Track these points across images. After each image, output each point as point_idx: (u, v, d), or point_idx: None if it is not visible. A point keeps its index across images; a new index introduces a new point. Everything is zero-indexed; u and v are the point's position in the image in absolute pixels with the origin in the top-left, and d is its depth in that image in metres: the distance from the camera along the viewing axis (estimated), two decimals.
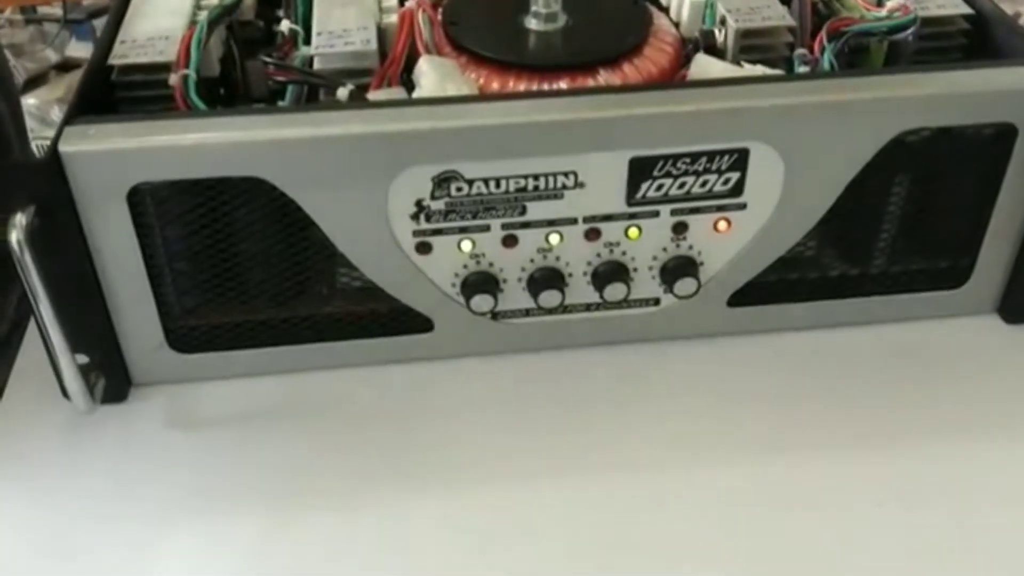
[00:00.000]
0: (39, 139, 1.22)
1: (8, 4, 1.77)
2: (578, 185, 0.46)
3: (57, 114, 1.72)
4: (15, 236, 0.41)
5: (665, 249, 0.49)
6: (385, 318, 0.50)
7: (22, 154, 0.66)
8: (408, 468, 0.47)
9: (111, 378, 0.49)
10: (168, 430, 0.49)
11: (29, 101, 1.67)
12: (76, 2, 1.92)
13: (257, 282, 0.48)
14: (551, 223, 0.47)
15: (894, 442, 0.48)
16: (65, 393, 0.47)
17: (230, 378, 0.51)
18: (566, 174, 0.46)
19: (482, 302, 0.48)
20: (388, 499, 0.45)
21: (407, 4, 0.53)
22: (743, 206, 0.48)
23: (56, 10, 1.93)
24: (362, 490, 0.46)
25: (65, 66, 2.02)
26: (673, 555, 0.43)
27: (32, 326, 0.52)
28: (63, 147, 0.42)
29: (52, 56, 1.99)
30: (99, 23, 2.14)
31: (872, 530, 0.44)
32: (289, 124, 0.44)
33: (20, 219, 0.41)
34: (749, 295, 0.51)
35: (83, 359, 0.46)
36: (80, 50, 2.13)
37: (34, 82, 1.84)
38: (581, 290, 0.50)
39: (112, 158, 0.43)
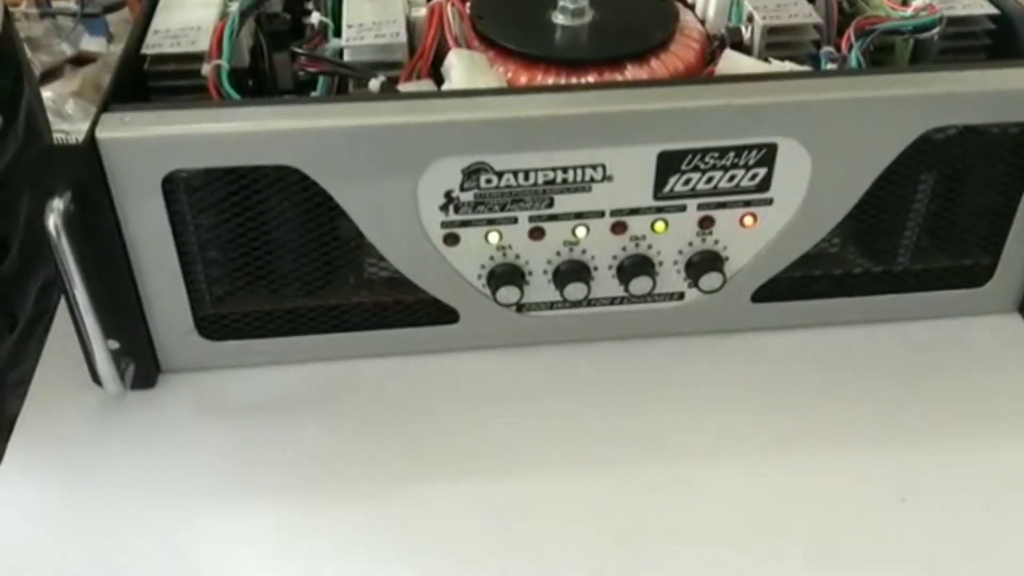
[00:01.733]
0: (56, 132, 1.23)
1: None
2: (606, 178, 0.46)
3: (72, 107, 1.73)
4: (52, 220, 0.42)
5: (691, 243, 0.49)
6: (411, 309, 0.51)
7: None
8: (432, 458, 0.47)
9: (140, 364, 0.49)
10: (196, 417, 0.49)
11: (45, 94, 1.67)
12: None
13: (286, 271, 0.49)
14: (578, 216, 0.48)
15: (917, 438, 0.48)
16: (95, 378, 0.48)
17: (257, 366, 0.51)
18: (594, 167, 0.46)
19: (508, 294, 0.49)
20: (412, 488, 0.46)
21: None
22: (770, 201, 0.48)
23: (71, 4, 1.94)
24: (387, 479, 0.46)
25: (80, 60, 2.03)
26: (696, 546, 0.43)
27: (58, 312, 0.53)
28: (100, 134, 0.43)
29: (67, 50, 2.01)
30: (113, 18, 2.15)
31: (896, 525, 0.44)
32: (322, 114, 0.44)
33: (57, 203, 0.42)
34: (773, 291, 0.51)
35: (114, 344, 0.47)
36: (94, 44, 2.14)
37: (49, 76, 1.86)
38: (606, 283, 0.50)
39: (148, 145, 0.43)
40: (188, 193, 0.45)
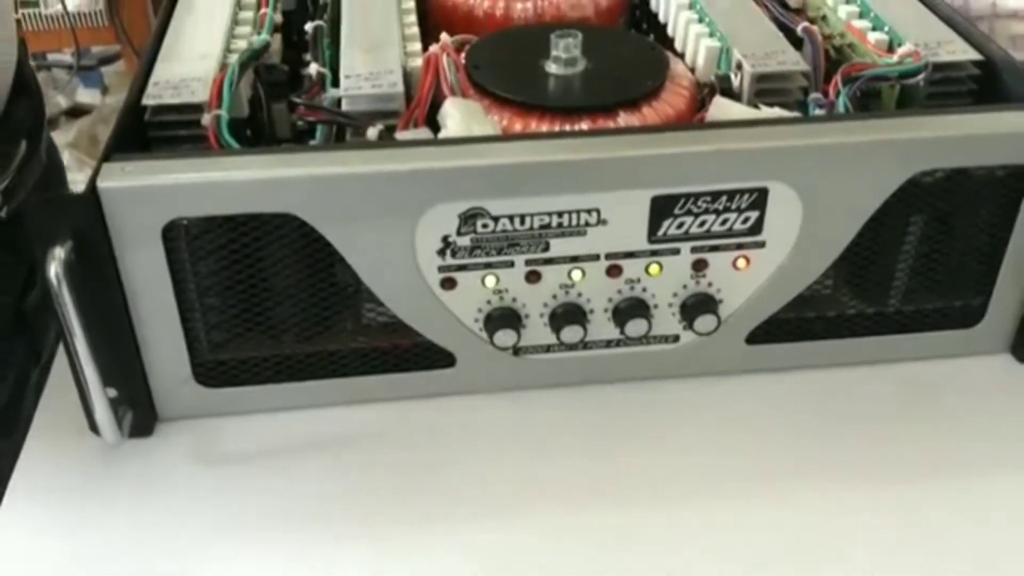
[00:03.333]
0: None
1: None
2: (601, 222, 0.47)
3: (68, 158, 1.74)
4: (54, 269, 0.42)
5: (685, 286, 0.50)
6: (408, 353, 0.51)
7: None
8: (431, 502, 0.47)
9: (138, 412, 0.49)
10: (194, 465, 0.49)
11: None
12: (86, 49, 1.95)
13: (284, 317, 0.49)
14: (574, 259, 0.48)
15: (913, 479, 0.48)
16: (93, 426, 0.48)
17: (255, 413, 0.51)
18: (589, 211, 0.47)
19: (505, 337, 0.49)
20: (412, 533, 0.46)
21: (431, 48, 0.54)
22: (762, 244, 0.49)
23: (66, 57, 1.96)
24: (386, 525, 0.46)
25: (75, 112, 2.05)
26: None
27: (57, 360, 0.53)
28: (101, 183, 0.43)
29: (62, 102, 2.02)
30: (108, 70, 2.17)
31: (894, 568, 0.44)
32: (322, 162, 0.45)
33: (59, 252, 0.42)
34: (767, 333, 0.52)
35: (112, 392, 0.47)
36: (89, 96, 2.16)
37: None
38: (602, 326, 0.50)
39: (148, 194, 0.44)
40: (188, 241, 0.46)
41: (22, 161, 0.60)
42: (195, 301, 0.48)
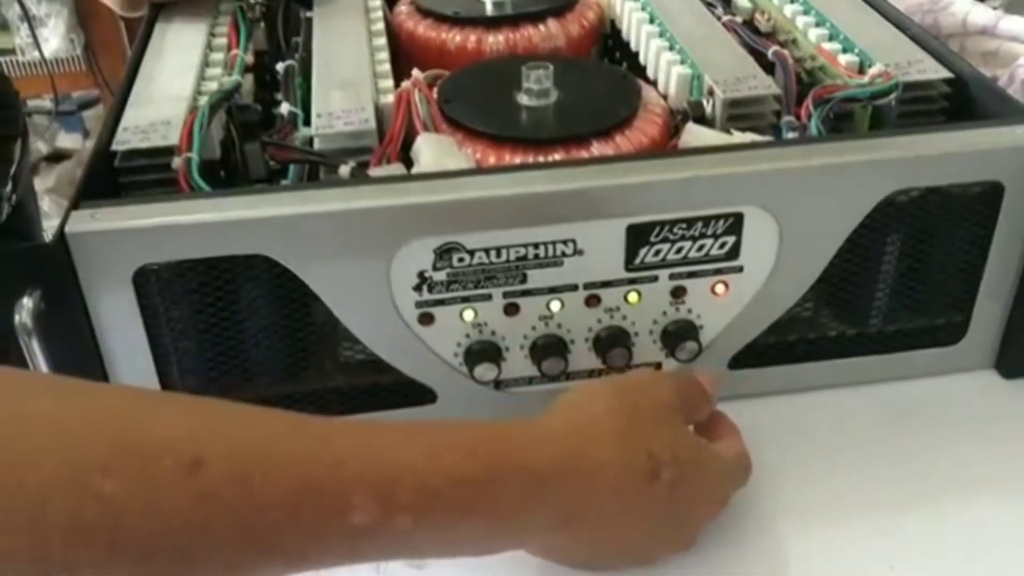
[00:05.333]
0: None
1: None
2: (577, 252, 0.47)
3: (48, 204, 1.73)
4: (21, 319, 0.41)
5: (665, 313, 0.49)
6: (388, 391, 0.50)
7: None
8: None
9: None
10: None
11: None
12: (66, 95, 1.95)
13: (260, 359, 0.49)
14: (552, 290, 0.48)
15: (901, 501, 0.48)
16: None
17: None
18: (565, 242, 0.46)
19: (485, 371, 0.49)
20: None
21: (403, 84, 0.54)
22: (740, 269, 0.48)
23: (45, 103, 1.96)
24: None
25: (55, 157, 2.05)
26: None
27: None
28: (70, 230, 0.43)
29: (42, 148, 2.02)
30: (88, 115, 2.18)
31: None
32: (294, 201, 0.44)
33: (27, 302, 0.42)
34: (749, 357, 0.52)
35: None
36: (69, 141, 2.16)
37: None
38: (583, 356, 0.50)
39: (118, 240, 0.43)
40: (159, 285, 0.45)
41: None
42: (169, 346, 0.47)
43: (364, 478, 0.35)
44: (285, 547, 0.34)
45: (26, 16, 1.65)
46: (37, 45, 1.69)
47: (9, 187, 0.60)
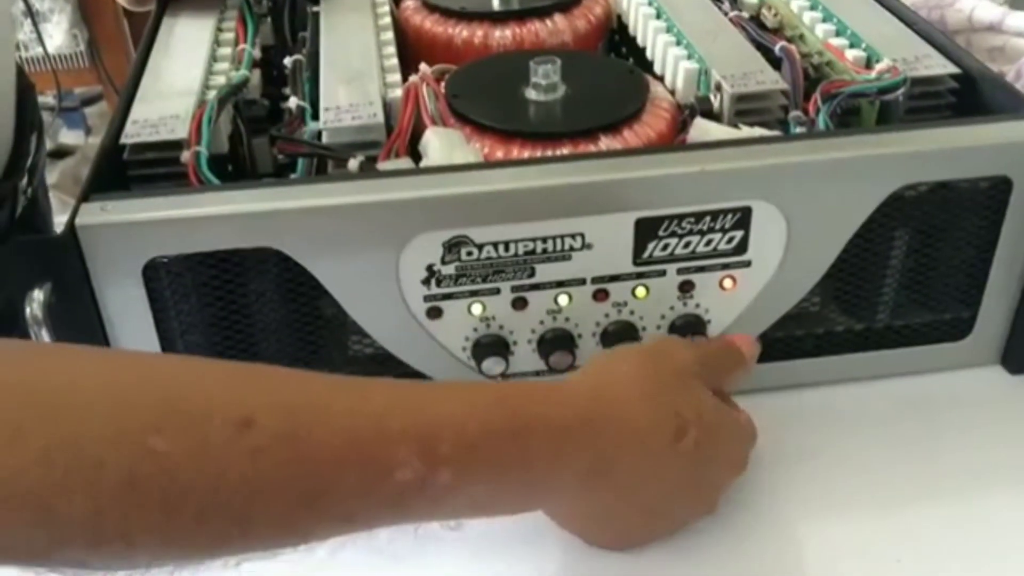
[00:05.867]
0: None
1: None
2: (585, 246, 0.47)
3: (51, 200, 1.73)
4: (32, 311, 0.42)
5: (672, 308, 0.49)
6: None
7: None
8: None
9: None
10: None
11: None
12: (68, 91, 1.95)
13: (269, 352, 0.49)
14: (560, 284, 0.48)
15: (909, 496, 0.48)
16: None
17: None
18: (573, 236, 0.46)
19: (493, 365, 0.49)
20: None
21: (411, 79, 0.54)
22: (748, 263, 0.48)
23: (48, 99, 1.96)
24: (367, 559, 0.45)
25: (58, 153, 2.04)
26: None
27: None
28: (80, 222, 0.43)
29: (46, 144, 2.02)
30: (91, 111, 2.18)
31: None
32: (303, 195, 0.44)
33: (37, 295, 0.42)
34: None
35: None
36: (72, 138, 2.16)
37: None
38: (591, 350, 0.50)
39: (128, 232, 0.43)
40: (169, 279, 0.45)
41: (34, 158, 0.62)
42: (177, 339, 0.47)
43: (408, 432, 0.35)
44: (333, 505, 0.34)
45: (30, 12, 1.65)
46: (40, 41, 1.69)
47: (25, 180, 0.60)
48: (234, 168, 0.54)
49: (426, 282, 0.47)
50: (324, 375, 0.37)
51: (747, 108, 0.54)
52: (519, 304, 0.48)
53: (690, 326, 0.50)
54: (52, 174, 1.92)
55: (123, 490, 0.31)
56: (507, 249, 0.46)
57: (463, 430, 0.36)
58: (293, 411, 0.34)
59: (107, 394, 0.32)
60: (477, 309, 0.48)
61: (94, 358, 0.36)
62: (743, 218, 0.47)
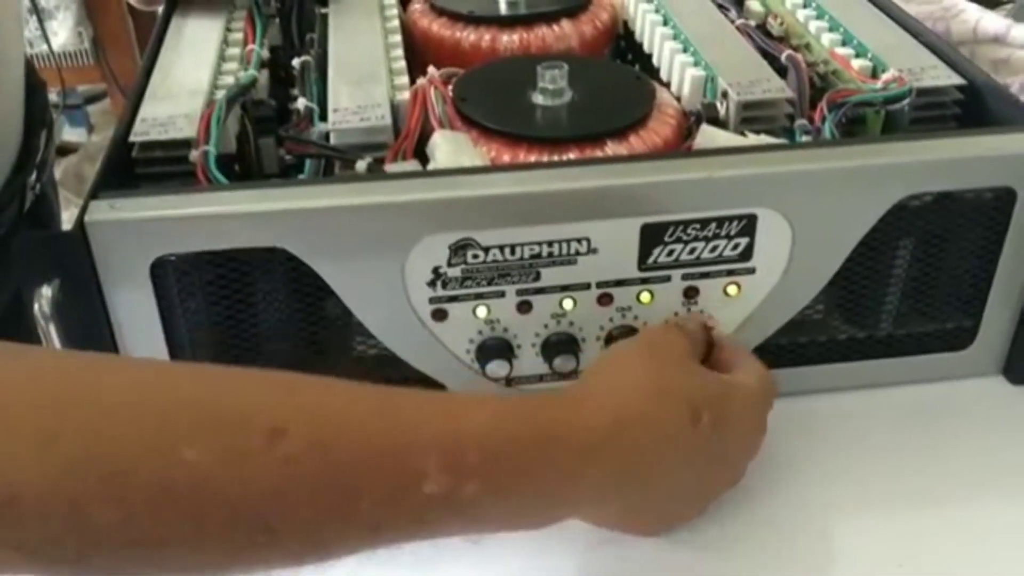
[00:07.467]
0: None
1: None
2: (591, 251, 0.47)
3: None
4: (40, 307, 0.42)
5: (677, 313, 0.50)
6: (400, 386, 0.50)
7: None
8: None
9: None
10: None
11: None
12: (72, 88, 1.95)
13: (274, 352, 0.49)
14: (565, 288, 0.48)
15: (909, 503, 0.48)
16: None
17: None
18: (579, 240, 0.47)
19: (497, 368, 0.49)
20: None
21: (419, 81, 0.55)
22: (752, 270, 0.49)
23: (52, 96, 1.97)
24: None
25: (61, 150, 2.05)
26: None
27: None
28: (89, 219, 0.43)
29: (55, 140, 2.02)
30: (94, 109, 2.18)
31: None
32: (311, 195, 0.45)
33: (46, 291, 0.42)
34: (760, 358, 0.52)
35: None
36: (75, 135, 2.16)
37: None
38: (595, 355, 0.50)
39: (136, 230, 0.43)
40: (176, 277, 0.46)
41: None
42: (184, 337, 0.47)
43: (436, 443, 0.36)
44: (361, 516, 0.34)
45: (35, 9, 1.66)
46: (45, 38, 1.69)
47: (34, 175, 0.60)
48: (241, 168, 0.54)
49: (432, 284, 0.47)
50: (352, 384, 0.37)
51: (753, 116, 0.54)
52: (524, 307, 0.48)
53: None
54: (55, 171, 1.92)
55: (154, 499, 0.31)
56: (513, 252, 0.46)
57: (490, 442, 0.37)
58: (324, 420, 0.35)
59: (140, 404, 0.33)
60: (482, 312, 0.48)
61: (128, 368, 0.37)
62: (748, 225, 0.47)
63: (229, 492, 0.32)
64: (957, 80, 0.55)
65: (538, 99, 0.55)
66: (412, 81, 0.56)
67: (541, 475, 0.38)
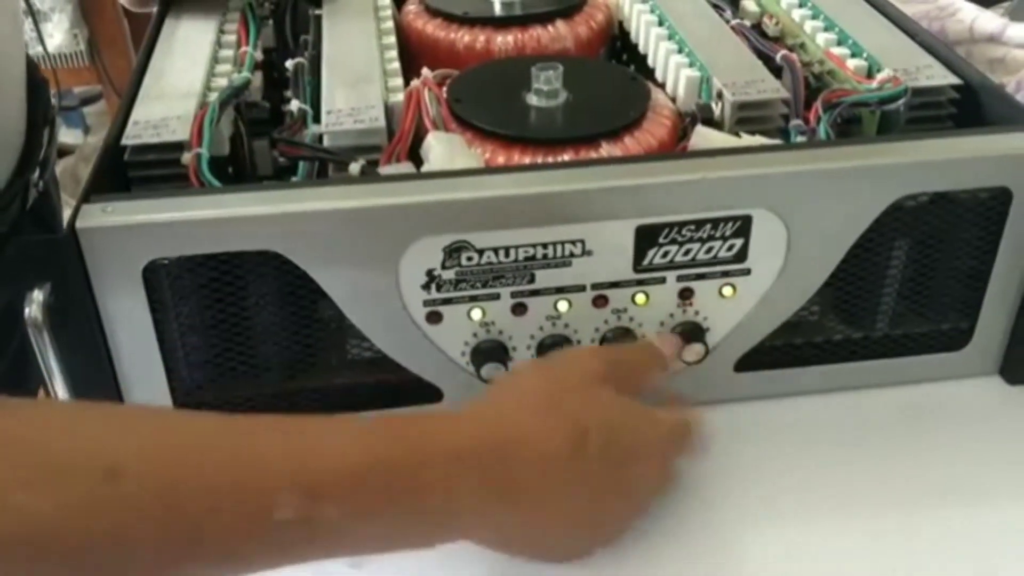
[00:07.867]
0: None
1: None
2: (586, 253, 0.47)
3: None
4: (31, 312, 0.41)
5: (672, 315, 0.49)
6: (394, 389, 0.50)
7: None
8: None
9: None
10: None
11: None
12: (68, 90, 1.95)
13: (268, 355, 0.49)
14: (559, 290, 0.48)
15: (904, 505, 0.48)
16: None
17: None
18: (574, 242, 0.47)
19: (492, 370, 0.49)
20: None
21: (413, 83, 0.54)
22: (747, 272, 0.49)
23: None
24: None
25: (58, 152, 2.04)
26: None
27: None
28: (80, 224, 0.43)
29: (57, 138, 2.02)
30: (90, 111, 2.17)
31: None
32: (304, 198, 0.44)
33: (37, 295, 0.42)
34: (755, 360, 0.52)
35: None
36: (71, 137, 2.15)
37: None
38: None
39: (128, 234, 0.43)
40: (169, 281, 0.45)
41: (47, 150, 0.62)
42: (176, 341, 0.47)
43: (286, 471, 0.35)
44: (207, 548, 0.34)
45: (30, 11, 1.65)
46: (41, 40, 1.68)
47: (37, 173, 0.60)
48: (235, 171, 0.54)
49: (426, 287, 0.47)
50: (199, 416, 0.36)
51: (748, 116, 0.54)
52: (519, 310, 0.48)
53: (689, 333, 0.50)
54: None
55: None
56: (507, 255, 0.46)
57: (349, 463, 0.36)
58: (164, 459, 0.34)
59: None
60: (477, 314, 0.48)
61: None
62: (743, 226, 0.47)
63: (68, 538, 0.31)
64: (953, 80, 0.54)
65: (533, 100, 0.55)
66: (406, 83, 0.55)
67: (405, 497, 0.37)
